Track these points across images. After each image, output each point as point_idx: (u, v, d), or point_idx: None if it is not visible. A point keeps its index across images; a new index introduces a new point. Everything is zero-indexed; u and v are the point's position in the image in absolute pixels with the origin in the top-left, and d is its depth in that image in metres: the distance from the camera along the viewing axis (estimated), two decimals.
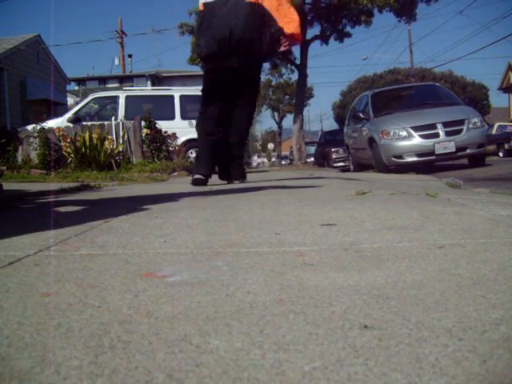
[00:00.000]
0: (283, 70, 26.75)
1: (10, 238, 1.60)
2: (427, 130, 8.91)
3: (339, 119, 42.22)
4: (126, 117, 10.19)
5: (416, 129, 8.94)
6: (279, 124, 49.78)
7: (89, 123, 9.56)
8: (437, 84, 12.54)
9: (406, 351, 0.66)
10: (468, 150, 8.94)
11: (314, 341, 0.70)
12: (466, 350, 0.66)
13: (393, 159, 9.10)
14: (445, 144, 8.78)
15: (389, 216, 1.86)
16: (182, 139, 10.27)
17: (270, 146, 56.97)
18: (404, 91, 12.06)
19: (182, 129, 10.33)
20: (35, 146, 9.09)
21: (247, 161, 24.87)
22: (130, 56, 31.94)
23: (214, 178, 4.97)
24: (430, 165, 9.52)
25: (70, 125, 9.88)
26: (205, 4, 4.29)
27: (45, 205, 2.87)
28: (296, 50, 19.16)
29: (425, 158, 8.95)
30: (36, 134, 9.11)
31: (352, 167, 12.22)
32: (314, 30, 20.27)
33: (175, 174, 8.19)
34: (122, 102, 10.74)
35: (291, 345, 0.69)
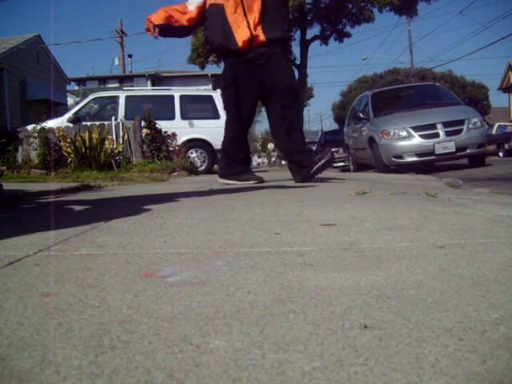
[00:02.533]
0: None
1: (9, 238, 1.60)
2: (427, 130, 8.91)
3: (339, 120, 42.20)
4: (126, 117, 10.19)
5: (416, 129, 8.94)
6: None
7: (89, 123, 9.56)
8: (437, 84, 12.54)
9: (405, 351, 0.66)
10: (468, 150, 8.94)
11: (314, 341, 0.70)
12: (466, 350, 0.66)
13: (393, 159, 9.11)
14: (445, 144, 8.78)
15: (389, 216, 1.86)
16: (182, 139, 10.27)
17: (270, 146, 56.95)
18: (404, 91, 12.06)
19: (182, 129, 10.33)
20: (35, 146, 9.09)
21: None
22: (130, 56, 31.94)
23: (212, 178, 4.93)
24: (430, 165, 9.53)
25: (70, 125, 9.87)
26: None
27: (45, 205, 2.87)
28: (296, 50, 19.21)
29: (425, 158, 8.95)
30: (36, 134, 9.11)
31: (352, 167, 12.23)
32: (314, 30, 20.27)
33: (175, 173, 8.19)
34: (122, 101, 10.74)
35: (291, 345, 0.69)
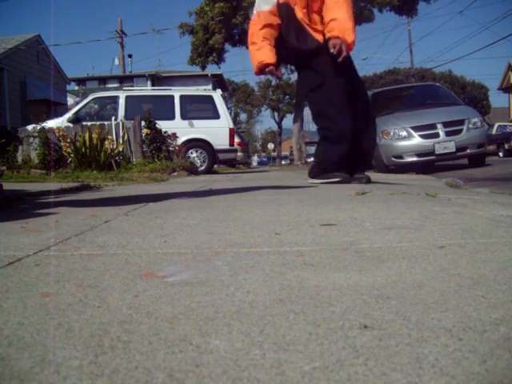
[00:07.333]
0: (283, 70, 26.74)
1: (9, 237, 1.60)
2: (427, 129, 8.92)
3: None
4: (126, 117, 10.19)
5: (416, 129, 8.94)
6: (279, 124, 49.77)
7: (89, 123, 9.56)
8: (437, 84, 12.55)
9: (405, 351, 0.66)
10: (468, 150, 8.94)
11: (314, 341, 0.70)
12: (466, 350, 0.66)
13: (393, 159, 9.11)
14: (445, 144, 8.79)
15: (389, 216, 1.86)
16: (182, 139, 10.28)
17: (270, 146, 57.03)
18: (404, 91, 12.05)
19: (182, 129, 10.34)
20: (35, 146, 9.10)
21: (247, 161, 24.74)
22: (130, 56, 31.91)
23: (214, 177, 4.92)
24: (430, 165, 9.53)
25: (70, 125, 9.88)
26: None
27: (45, 205, 2.87)
28: None
29: (425, 158, 8.96)
30: (36, 134, 9.11)
31: None
32: None
33: (175, 173, 8.19)
34: (121, 102, 10.74)
35: (291, 345, 0.69)
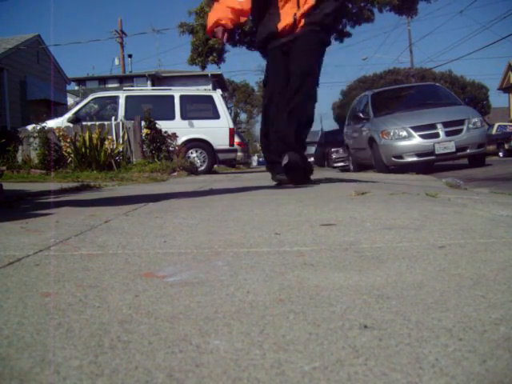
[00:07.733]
0: None
1: (9, 237, 1.60)
2: (427, 129, 8.92)
3: (339, 119, 42.13)
4: (126, 117, 10.20)
5: (416, 129, 8.94)
6: None
7: (89, 123, 9.57)
8: (437, 84, 12.56)
9: (405, 351, 0.66)
10: (468, 150, 8.95)
11: (314, 341, 0.70)
12: (466, 350, 0.66)
13: (393, 159, 9.11)
14: (445, 144, 8.79)
15: (389, 216, 1.86)
16: (182, 139, 10.28)
17: None
18: (404, 91, 12.06)
19: (182, 129, 10.34)
20: (35, 146, 9.10)
21: (247, 161, 24.73)
22: (130, 56, 31.92)
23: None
24: (430, 165, 9.53)
25: (70, 125, 9.88)
26: None
27: (45, 205, 2.87)
28: None
29: (425, 158, 8.96)
30: (36, 134, 9.11)
31: (352, 167, 12.23)
32: None
33: (175, 173, 8.19)
34: (121, 102, 10.74)
35: (291, 345, 0.69)
